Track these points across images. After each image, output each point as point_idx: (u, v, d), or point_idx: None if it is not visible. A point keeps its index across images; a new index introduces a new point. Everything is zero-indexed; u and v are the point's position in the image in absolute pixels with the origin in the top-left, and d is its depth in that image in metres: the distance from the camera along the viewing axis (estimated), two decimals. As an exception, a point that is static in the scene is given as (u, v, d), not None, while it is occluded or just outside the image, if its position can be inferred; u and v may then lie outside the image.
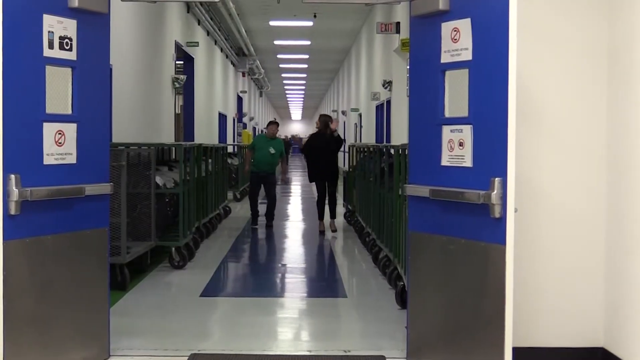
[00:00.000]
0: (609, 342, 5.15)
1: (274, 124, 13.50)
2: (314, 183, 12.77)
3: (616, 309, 5.05)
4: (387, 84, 16.42)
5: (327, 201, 12.47)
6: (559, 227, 5.24)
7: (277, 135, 13.48)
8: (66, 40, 4.82)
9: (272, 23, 23.33)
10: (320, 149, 12.25)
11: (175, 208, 9.51)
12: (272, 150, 12.93)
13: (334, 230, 12.39)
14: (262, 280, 8.67)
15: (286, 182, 13.50)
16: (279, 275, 8.86)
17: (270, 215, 13.16)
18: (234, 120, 30.02)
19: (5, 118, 4.44)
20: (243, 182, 19.74)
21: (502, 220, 4.49)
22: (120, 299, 7.10)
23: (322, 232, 12.28)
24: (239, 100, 32.67)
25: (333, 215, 12.61)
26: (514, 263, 4.48)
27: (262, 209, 13.31)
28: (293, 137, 54.71)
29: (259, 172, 12.93)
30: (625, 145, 4.94)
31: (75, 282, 4.97)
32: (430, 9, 4.91)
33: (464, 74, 4.75)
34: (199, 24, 19.10)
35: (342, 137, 13.30)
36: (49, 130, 4.74)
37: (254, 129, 41.85)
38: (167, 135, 14.79)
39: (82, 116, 4.95)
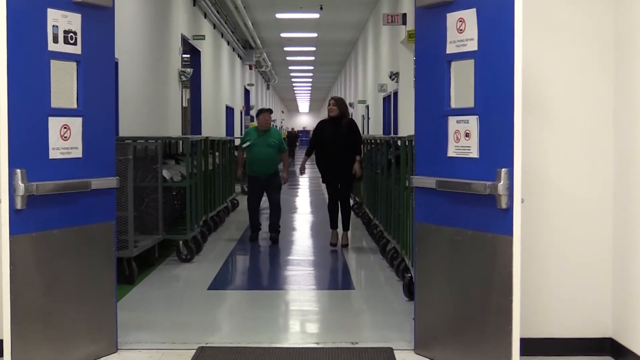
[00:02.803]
0: (618, 333, 5.14)
1: (265, 111, 10.58)
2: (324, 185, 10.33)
3: (625, 299, 5.03)
4: (394, 76, 16.38)
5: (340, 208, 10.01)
6: (567, 218, 5.22)
7: (271, 124, 10.68)
8: (71, 34, 4.82)
9: (278, 15, 23.30)
10: (331, 141, 9.62)
11: (182, 201, 9.51)
12: (271, 141, 10.28)
13: (346, 245, 9.88)
14: (270, 272, 8.67)
15: (286, 182, 11.03)
16: (287, 267, 8.86)
17: (274, 227, 10.53)
18: (241, 113, 30.02)
19: (10, 113, 4.45)
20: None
21: (509, 211, 4.48)
22: (128, 293, 7.11)
23: (333, 245, 9.89)
24: (246, 93, 32.67)
25: (346, 227, 10.04)
26: (521, 254, 4.47)
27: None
28: (292, 130, 54.48)
29: (257, 175, 10.36)
30: (633, 136, 4.91)
31: (83, 277, 4.98)
32: (436, -1, 4.90)
33: (469, 65, 4.74)
34: (205, 17, 19.09)
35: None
36: (55, 124, 4.74)
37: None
38: (174, 128, 14.79)
39: (88, 110, 4.95)
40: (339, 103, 9.78)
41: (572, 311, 5.24)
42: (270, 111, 10.69)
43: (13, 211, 4.50)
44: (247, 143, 10.34)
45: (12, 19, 4.45)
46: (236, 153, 11.86)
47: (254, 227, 10.66)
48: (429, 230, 5.07)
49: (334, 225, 9.99)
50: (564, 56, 5.20)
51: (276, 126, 40.32)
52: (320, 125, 10.00)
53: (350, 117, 9.98)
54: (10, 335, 4.50)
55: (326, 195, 10.52)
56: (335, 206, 9.92)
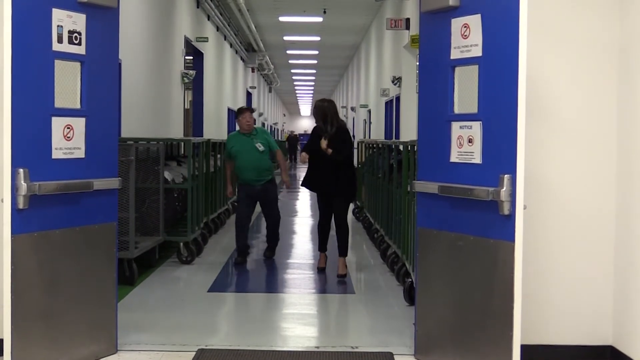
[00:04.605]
0: (618, 340, 5.13)
1: (245, 110, 8.98)
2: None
3: (625, 307, 5.03)
4: (397, 80, 16.37)
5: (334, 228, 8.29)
6: (568, 225, 5.22)
7: (254, 125, 9.08)
8: (75, 34, 4.82)
9: (281, 19, 23.31)
10: (319, 150, 8.04)
11: (183, 203, 9.51)
12: (260, 147, 8.83)
13: (343, 275, 8.17)
14: (270, 275, 8.66)
15: (288, 186, 9.91)
16: (287, 270, 8.85)
17: (273, 239, 9.29)
18: (243, 115, 29.94)
19: (14, 112, 4.46)
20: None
21: (511, 217, 4.48)
22: (128, 294, 7.11)
23: (321, 270, 8.40)
24: (248, 95, 32.66)
25: (343, 252, 8.24)
26: (522, 260, 4.47)
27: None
28: (292, 133, 54.33)
29: (247, 185, 8.89)
30: (636, 142, 4.90)
31: (83, 277, 4.98)
32: (440, 4, 4.90)
33: (473, 70, 4.74)
34: (208, 20, 19.09)
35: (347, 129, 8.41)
36: (58, 124, 4.74)
37: (263, 124, 41.76)
38: (176, 130, 14.79)
39: (91, 111, 4.96)
40: (319, 110, 8.12)
41: (572, 318, 5.23)
42: (250, 110, 9.13)
43: (15, 210, 4.50)
44: (233, 152, 8.86)
45: (17, 19, 4.45)
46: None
47: (241, 249, 9.03)
48: (431, 235, 5.06)
49: (322, 247, 8.43)
50: (568, 62, 5.20)
51: (263, 125, 39.28)
52: (315, 133, 8.22)
53: (342, 122, 8.27)
54: (11, 334, 4.50)
55: None
56: (326, 226, 8.33)
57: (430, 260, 5.10)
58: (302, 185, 8.41)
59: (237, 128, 9.03)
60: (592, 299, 5.22)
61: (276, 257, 9.50)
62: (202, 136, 17.09)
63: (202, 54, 18.31)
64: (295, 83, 52.28)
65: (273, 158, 9.12)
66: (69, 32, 4.78)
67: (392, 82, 16.98)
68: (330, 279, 8.53)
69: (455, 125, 4.87)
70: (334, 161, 7.98)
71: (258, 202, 9.06)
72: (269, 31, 26.19)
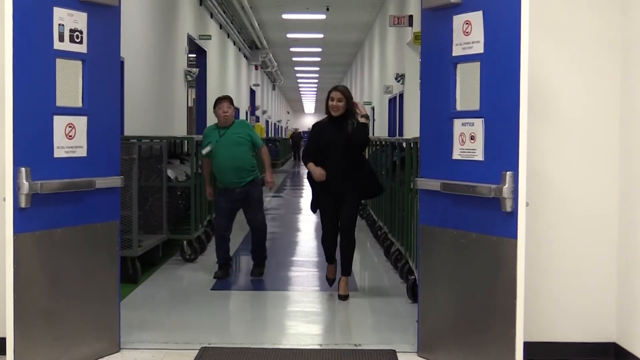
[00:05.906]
0: (621, 337, 5.12)
1: (222, 100, 7.73)
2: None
3: (629, 304, 5.01)
4: (400, 77, 16.36)
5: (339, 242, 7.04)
6: (571, 221, 5.20)
7: (234, 117, 7.76)
8: (76, 33, 4.82)
9: (284, 16, 23.32)
10: (334, 148, 6.82)
11: (186, 201, 9.51)
12: (237, 138, 7.58)
13: (345, 296, 6.99)
14: (273, 273, 8.65)
15: (272, 186, 8.12)
16: (290, 268, 8.85)
17: (259, 254, 8.04)
18: (246, 113, 30.00)
19: (16, 111, 4.47)
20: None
21: (514, 214, 4.47)
22: (131, 292, 7.11)
23: (330, 280, 7.29)
24: (252, 93, 32.67)
25: (346, 270, 7.02)
26: (525, 257, 4.46)
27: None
28: (296, 130, 53.86)
29: (226, 187, 7.68)
30: (639, 141, 4.89)
31: (86, 276, 4.98)
32: (442, 1, 4.90)
33: (475, 67, 4.73)
34: (211, 17, 19.10)
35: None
36: (60, 123, 4.74)
37: (267, 122, 41.72)
38: (179, 128, 14.80)
39: (93, 109, 4.96)
40: (348, 96, 6.85)
41: (575, 315, 5.22)
42: (228, 99, 7.81)
43: (17, 209, 4.51)
44: (208, 148, 7.65)
45: (19, 17, 4.46)
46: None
47: (222, 261, 7.93)
48: (433, 232, 5.06)
49: (330, 259, 7.20)
50: (570, 60, 5.18)
51: (267, 123, 38.31)
52: (318, 129, 7.00)
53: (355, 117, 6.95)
54: (13, 333, 4.50)
55: None
56: (334, 239, 7.08)
57: (433, 258, 5.09)
58: (313, 210, 7.15)
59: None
60: (595, 296, 5.21)
61: (279, 255, 9.48)
62: (206, 134, 17.06)
63: (205, 51, 18.31)
64: (299, 80, 52.29)
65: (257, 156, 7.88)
66: (70, 30, 4.78)
67: (396, 79, 16.97)
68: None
69: (457, 122, 4.87)
70: (346, 162, 6.84)
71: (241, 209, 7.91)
72: (272, 29, 26.20)
